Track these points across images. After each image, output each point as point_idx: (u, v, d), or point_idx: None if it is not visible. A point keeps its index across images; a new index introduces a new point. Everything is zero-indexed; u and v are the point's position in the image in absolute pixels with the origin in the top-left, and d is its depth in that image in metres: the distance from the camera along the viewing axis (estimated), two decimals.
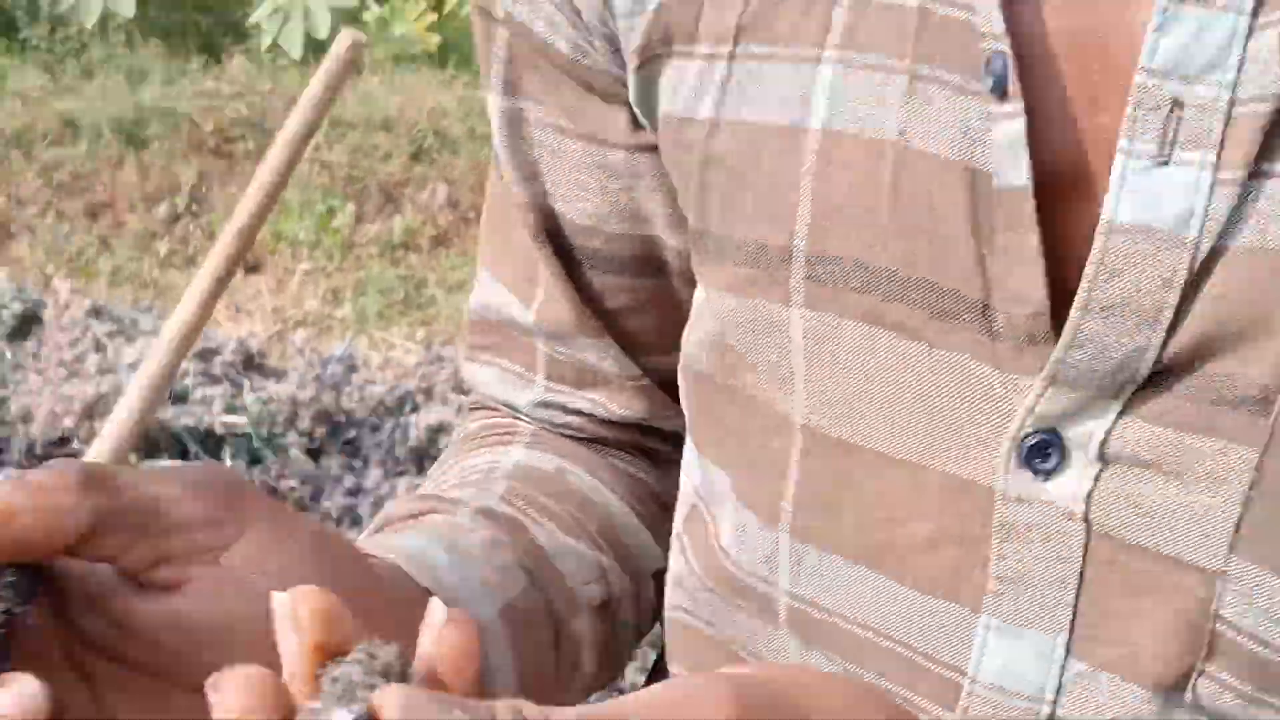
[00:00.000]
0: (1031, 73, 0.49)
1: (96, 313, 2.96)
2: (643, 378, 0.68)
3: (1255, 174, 0.47)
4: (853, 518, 0.54)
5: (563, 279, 0.65)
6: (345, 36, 1.72)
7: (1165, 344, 0.49)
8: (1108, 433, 0.50)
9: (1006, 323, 0.50)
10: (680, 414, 0.66)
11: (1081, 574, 0.51)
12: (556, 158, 0.64)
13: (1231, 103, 0.47)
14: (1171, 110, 0.48)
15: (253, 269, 3.56)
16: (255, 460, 2.66)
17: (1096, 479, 0.50)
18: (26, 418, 2.67)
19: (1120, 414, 0.50)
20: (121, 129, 4.34)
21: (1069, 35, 0.50)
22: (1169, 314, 0.48)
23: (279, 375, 2.90)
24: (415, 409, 2.85)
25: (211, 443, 2.69)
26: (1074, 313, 0.48)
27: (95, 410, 2.66)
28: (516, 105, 0.65)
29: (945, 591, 0.53)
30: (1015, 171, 0.49)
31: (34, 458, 2.60)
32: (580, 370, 0.68)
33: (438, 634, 0.32)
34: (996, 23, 0.48)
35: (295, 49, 4.78)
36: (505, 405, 0.71)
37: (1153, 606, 0.49)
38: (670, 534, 0.67)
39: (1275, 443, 0.48)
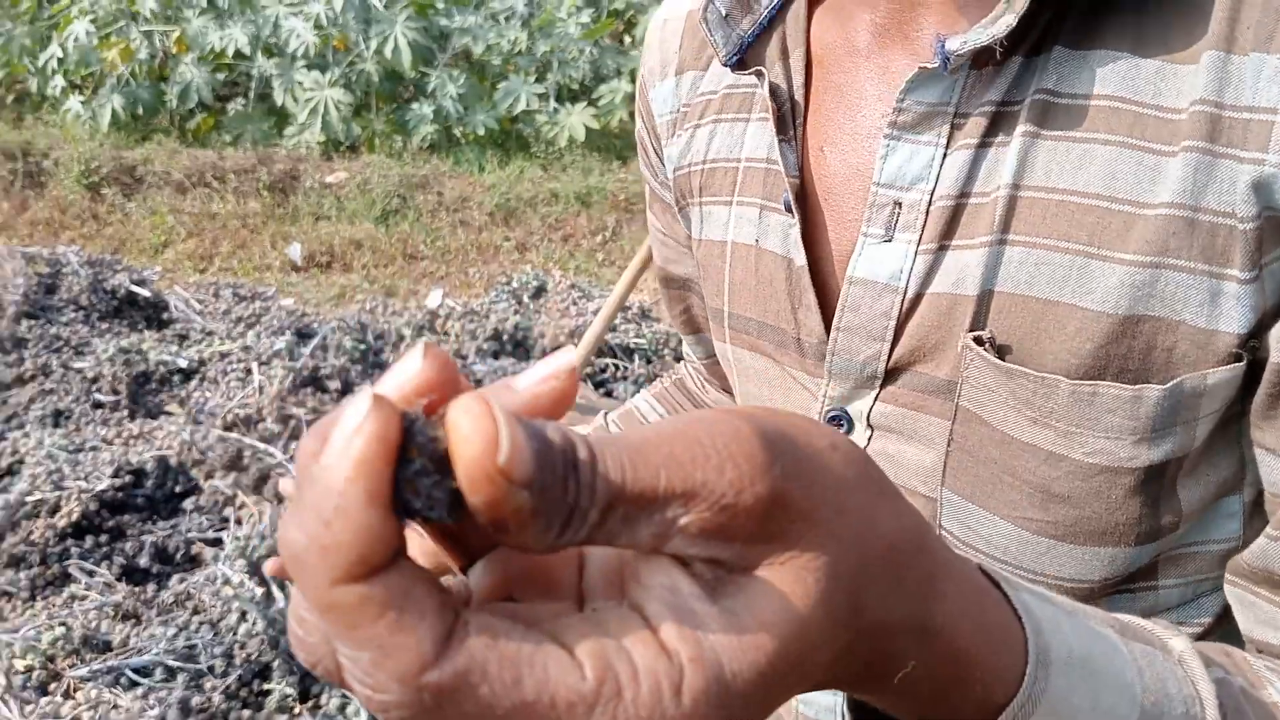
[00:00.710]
0: (816, 196, 0.53)
1: (572, 286, 3.56)
2: (718, 364, 0.74)
3: (942, 247, 0.48)
4: None
5: (673, 305, 0.73)
6: None
7: (890, 354, 0.50)
8: (869, 410, 0.51)
9: (809, 346, 0.53)
10: None
11: None
12: (669, 248, 0.70)
13: (930, 202, 0.48)
14: (894, 207, 0.49)
15: (644, 267, 4.10)
16: (649, 361, 3.18)
17: (869, 440, 0.52)
18: (541, 336, 3.19)
19: (875, 399, 0.51)
20: (578, 198, 4.95)
21: (840, 171, 0.52)
22: (890, 334, 0.50)
23: (656, 320, 3.48)
24: None
25: (625, 353, 3.19)
26: (831, 333, 0.52)
27: (575, 333, 3.15)
28: (654, 221, 0.71)
29: None
30: (800, 257, 0.53)
31: (543, 352, 3.13)
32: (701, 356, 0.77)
33: (551, 371, 0.24)
34: (791, 171, 0.53)
35: None
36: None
37: None
38: None
39: (959, 417, 0.49)
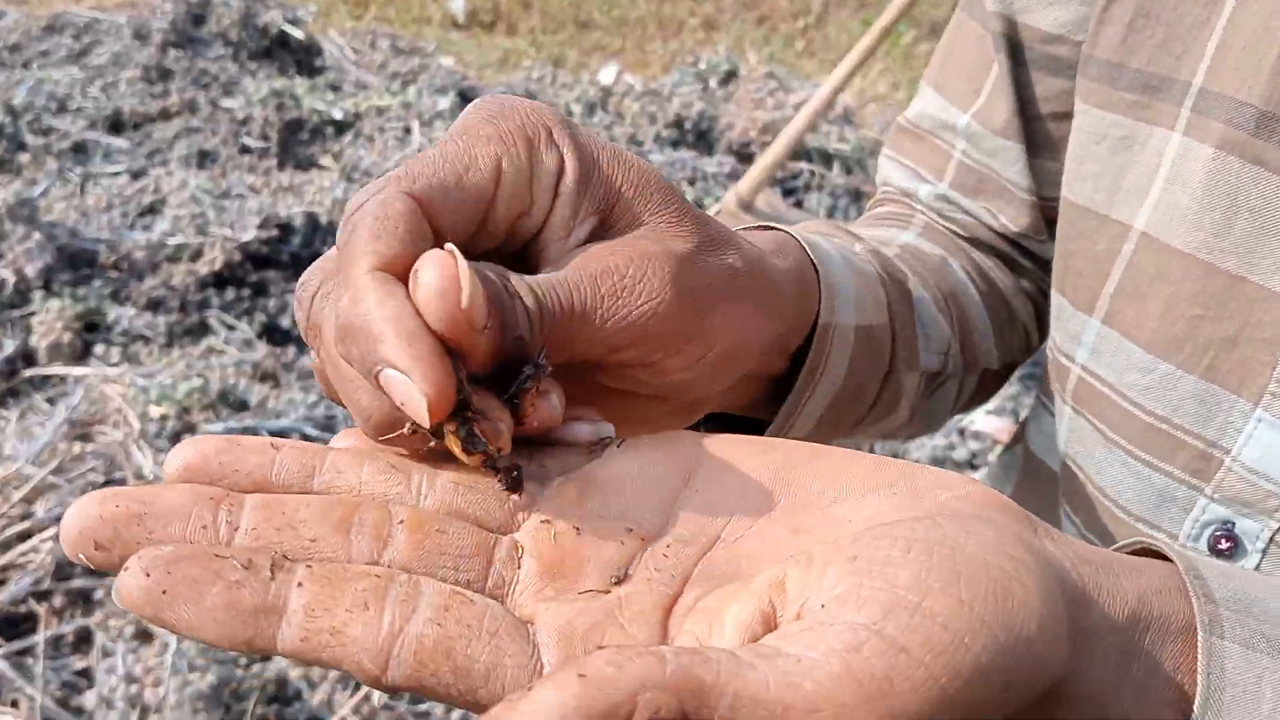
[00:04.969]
0: None
1: (769, 74, 3.52)
2: (1034, 194, 0.61)
3: None
4: (1159, 311, 0.49)
5: (1009, 83, 0.60)
6: None
7: None
8: None
9: None
10: (1046, 242, 0.61)
11: None
12: None
13: None
14: None
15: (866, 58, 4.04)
16: (849, 171, 3.17)
17: None
18: (729, 129, 3.20)
19: None
20: None
21: None
22: None
23: (860, 125, 3.45)
24: None
25: (824, 159, 3.16)
26: None
27: (769, 129, 3.14)
28: None
29: (1229, 384, 0.47)
30: None
31: (731, 152, 3.19)
32: (982, 179, 0.62)
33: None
34: None
35: None
36: (906, 195, 0.66)
37: None
38: (1005, 340, 0.62)
39: None
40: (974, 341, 0.59)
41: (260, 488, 0.31)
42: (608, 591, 0.30)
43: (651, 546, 0.31)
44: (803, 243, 0.47)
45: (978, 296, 0.60)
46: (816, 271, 0.47)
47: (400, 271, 0.30)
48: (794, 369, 0.47)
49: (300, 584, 0.27)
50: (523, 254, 0.36)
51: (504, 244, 0.35)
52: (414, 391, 0.28)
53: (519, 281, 0.32)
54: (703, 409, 0.43)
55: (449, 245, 0.30)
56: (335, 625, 0.26)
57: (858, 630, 0.24)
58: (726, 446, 0.33)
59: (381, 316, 0.29)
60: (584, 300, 0.33)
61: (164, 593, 0.26)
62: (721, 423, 0.49)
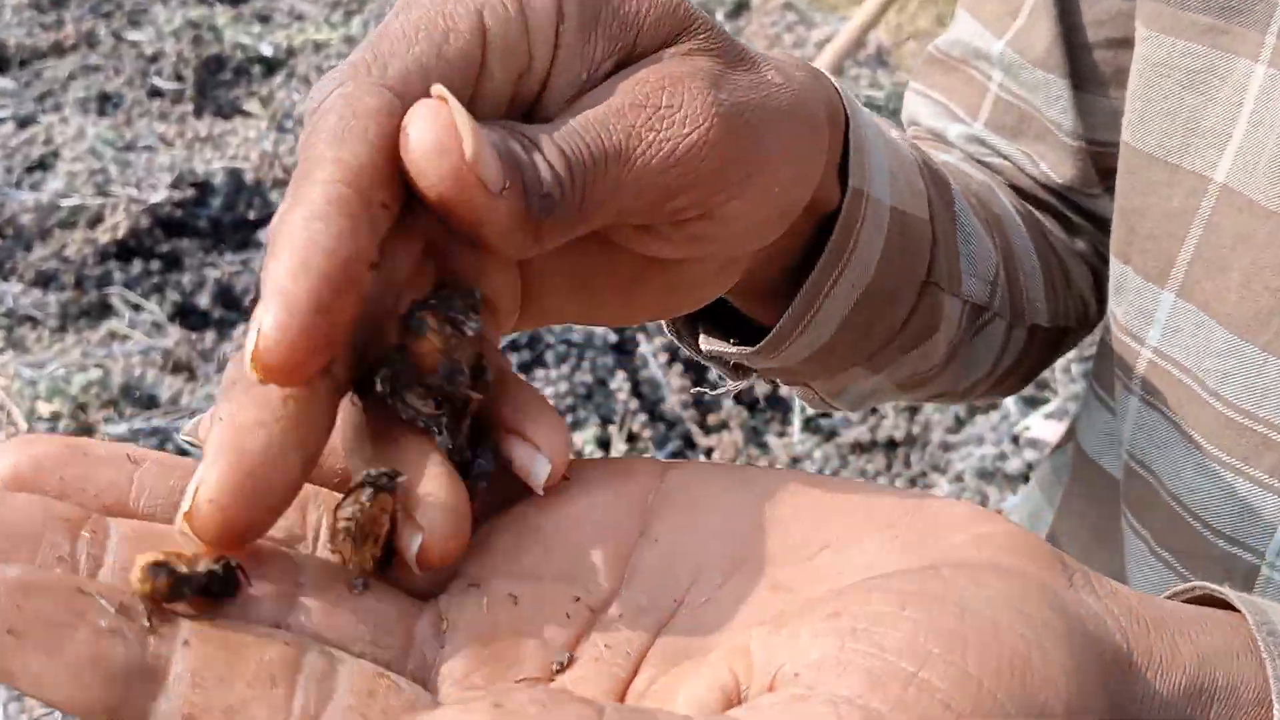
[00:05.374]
0: None
1: (787, 5, 3.47)
2: (1081, 138, 0.59)
3: None
4: (1242, 280, 0.47)
5: (1052, 1, 0.59)
6: None
7: None
8: None
9: None
10: (1100, 195, 0.61)
11: None
12: None
13: None
14: None
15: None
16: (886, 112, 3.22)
17: None
18: None
19: None
20: None
21: None
22: None
23: (897, 68, 3.39)
24: None
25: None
26: None
27: None
28: None
29: None
30: None
31: None
32: (1022, 118, 0.61)
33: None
34: None
35: None
36: (935, 135, 0.65)
37: None
38: (1058, 298, 0.60)
39: None
40: (1020, 281, 0.57)
41: (111, 513, 0.28)
42: (551, 680, 0.28)
43: (602, 617, 0.29)
44: (836, 85, 0.44)
45: (1025, 232, 0.59)
46: (847, 123, 0.43)
47: (368, 186, 0.28)
48: (809, 267, 0.45)
49: (187, 642, 0.24)
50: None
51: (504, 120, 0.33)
52: (252, 328, 0.25)
53: (535, 130, 0.30)
54: (739, 268, 0.40)
55: (438, 88, 0.28)
56: (231, 703, 0.24)
57: (838, 705, 0.23)
58: (693, 481, 0.32)
59: (295, 232, 0.26)
60: (616, 139, 0.31)
61: (9, 632, 0.23)
62: (721, 326, 0.49)
